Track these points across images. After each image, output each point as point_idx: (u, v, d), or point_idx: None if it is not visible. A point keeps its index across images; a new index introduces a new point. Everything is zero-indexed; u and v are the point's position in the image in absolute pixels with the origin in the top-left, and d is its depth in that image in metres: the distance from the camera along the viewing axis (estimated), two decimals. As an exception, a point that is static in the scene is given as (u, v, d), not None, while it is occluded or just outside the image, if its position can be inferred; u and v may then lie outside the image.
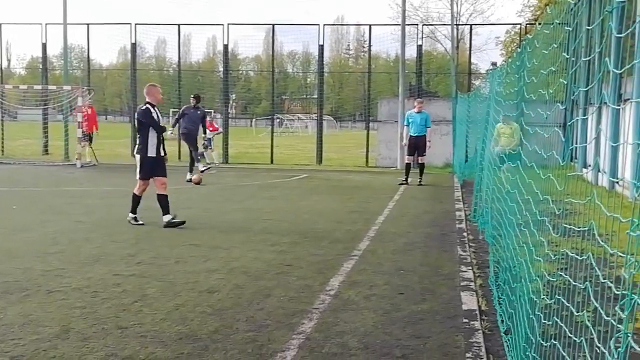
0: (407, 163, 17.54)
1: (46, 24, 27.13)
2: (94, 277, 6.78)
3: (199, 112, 17.16)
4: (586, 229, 2.99)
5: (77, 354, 4.59)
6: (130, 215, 10.22)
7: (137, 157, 10.24)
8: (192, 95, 17.55)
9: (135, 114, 10.46)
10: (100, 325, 5.21)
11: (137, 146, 10.32)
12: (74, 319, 5.36)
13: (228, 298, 6.10)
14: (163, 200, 10.09)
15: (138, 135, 10.33)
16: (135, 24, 26.21)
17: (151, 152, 10.13)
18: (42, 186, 16.06)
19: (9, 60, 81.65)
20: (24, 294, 6.10)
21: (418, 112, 17.08)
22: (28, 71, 67.94)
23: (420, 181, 17.16)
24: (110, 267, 7.22)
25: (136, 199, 10.22)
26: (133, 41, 26.54)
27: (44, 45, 27.50)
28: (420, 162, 17.37)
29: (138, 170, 10.21)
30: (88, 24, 26.95)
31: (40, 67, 28.70)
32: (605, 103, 14.53)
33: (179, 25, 26.31)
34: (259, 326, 5.28)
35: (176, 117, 17.31)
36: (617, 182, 13.34)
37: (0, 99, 25.36)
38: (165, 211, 10.04)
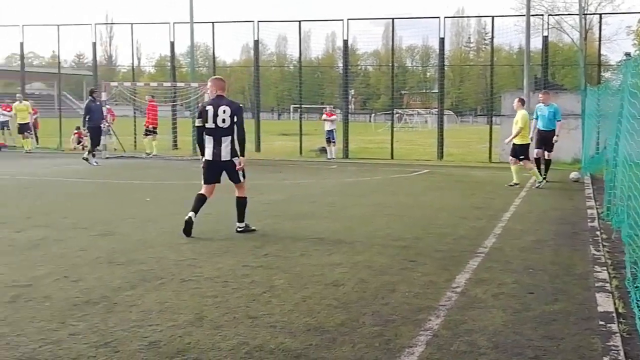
0: (536, 157, 16.18)
1: (174, 23, 27.97)
2: (224, 267, 7.00)
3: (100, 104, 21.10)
4: None
5: (211, 341, 4.75)
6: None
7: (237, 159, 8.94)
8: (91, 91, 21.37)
9: (235, 110, 8.80)
10: (232, 314, 5.36)
11: (232, 148, 8.89)
12: (207, 308, 5.54)
13: (353, 292, 6.12)
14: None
15: (229, 136, 8.85)
16: (258, 21, 26.72)
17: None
18: (172, 179, 16.72)
19: (139, 59, 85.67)
20: (159, 282, 6.38)
21: (546, 105, 16.18)
22: (157, 69, 70.96)
23: (545, 178, 15.95)
24: (238, 258, 7.43)
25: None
26: (255, 38, 27.11)
27: (172, 44, 28.47)
28: (547, 158, 16.30)
29: (242, 174, 9.03)
30: (213, 22, 27.63)
31: (169, 64, 29.76)
32: None
33: (299, 21, 26.63)
34: (385, 321, 5.26)
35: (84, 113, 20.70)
36: None
37: (133, 96, 26.56)
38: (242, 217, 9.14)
